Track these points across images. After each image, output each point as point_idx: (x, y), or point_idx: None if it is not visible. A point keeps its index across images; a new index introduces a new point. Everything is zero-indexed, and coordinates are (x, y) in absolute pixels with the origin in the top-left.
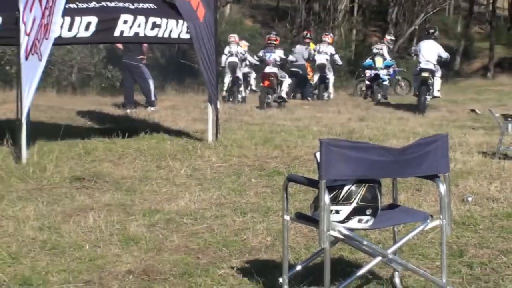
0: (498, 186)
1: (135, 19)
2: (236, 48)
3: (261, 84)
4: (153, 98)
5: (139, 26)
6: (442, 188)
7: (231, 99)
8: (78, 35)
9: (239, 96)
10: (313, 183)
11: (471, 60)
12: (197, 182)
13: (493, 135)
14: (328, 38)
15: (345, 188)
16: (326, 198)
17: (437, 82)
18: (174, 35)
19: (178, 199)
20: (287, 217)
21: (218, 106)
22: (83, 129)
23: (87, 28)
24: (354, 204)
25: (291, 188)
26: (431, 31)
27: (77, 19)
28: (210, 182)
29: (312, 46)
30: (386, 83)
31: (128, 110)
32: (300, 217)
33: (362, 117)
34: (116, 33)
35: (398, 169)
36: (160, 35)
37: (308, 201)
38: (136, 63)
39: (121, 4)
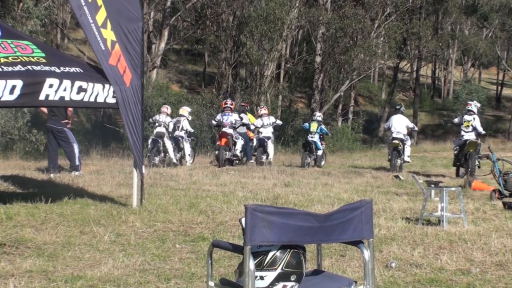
0: (421, 252)
1: (61, 83)
2: (165, 118)
3: (218, 143)
4: (77, 163)
5: (64, 90)
6: (366, 253)
7: (153, 161)
8: (3, 99)
9: (157, 159)
10: (238, 249)
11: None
12: (121, 247)
13: (417, 201)
14: (264, 109)
15: (270, 254)
16: (251, 264)
17: (407, 149)
18: (100, 99)
19: (101, 265)
20: (211, 284)
21: (143, 171)
22: (5, 194)
23: (11, 91)
24: (279, 270)
25: (215, 253)
26: (398, 107)
27: (2, 82)
28: (134, 248)
29: (251, 118)
30: (320, 152)
31: (52, 175)
32: (225, 283)
33: (287, 182)
34: (42, 96)
35: (323, 235)
36: (86, 99)
37: (233, 267)
38: (61, 127)
39: (47, 68)
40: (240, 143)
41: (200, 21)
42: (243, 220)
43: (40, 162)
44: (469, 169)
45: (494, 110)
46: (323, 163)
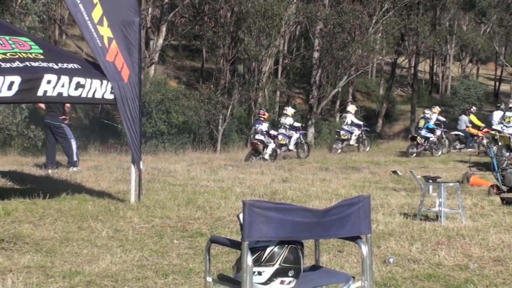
0: (419, 247)
1: (59, 79)
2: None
3: (251, 147)
4: (75, 159)
5: (62, 86)
6: (364, 249)
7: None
8: (1, 95)
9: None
10: (235, 245)
11: (393, 123)
12: (119, 243)
13: (415, 196)
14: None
15: (268, 250)
16: (249, 259)
17: None
18: (98, 95)
19: (99, 260)
20: (209, 279)
21: (141, 166)
22: (3, 189)
23: (9, 87)
24: (276, 266)
25: (213, 249)
26: (498, 104)
27: (0, 78)
28: (132, 244)
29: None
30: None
31: (49, 171)
32: (223, 278)
33: (285, 178)
34: (40, 92)
35: (321, 231)
36: (84, 95)
37: (231, 263)
38: (59, 123)
39: (45, 64)
40: (271, 146)
41: (198, 17)
42: (241, 216)
43: (38, 158)
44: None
45: (492, 105)
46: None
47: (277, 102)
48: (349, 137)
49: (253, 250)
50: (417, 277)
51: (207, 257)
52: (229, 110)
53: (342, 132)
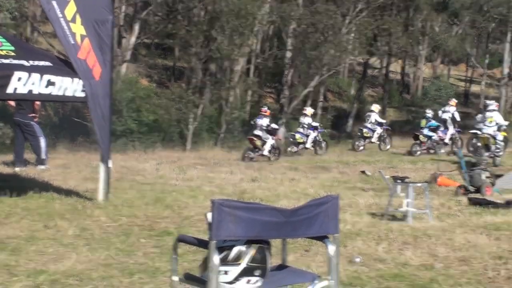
0: (386, 247)
1: (29, 76)
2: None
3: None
4: (44, 157)
5: (33, 83)
6: (331, 249)
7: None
8: None
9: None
10: (203, 244)
11: (364, 122)
12: (85, 242)
13: (382, 196)
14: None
15: (235, 249)
16: (216, 258)
17: None
18: (69, 93)
19: (64, 259)
20: (175, 278)
21: (110, 165)
22: None
23: None
24: (243, 265)
25: (180, 248)
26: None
27: None
28: (99, 242)
29: None
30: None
31: (17, 169)
32: (189, 278)
33: (254, 177)
34: (10, 90)
35: (289, 230)
36: (54, 92)
37: (197, 262)
38: (28, 121)
39: (15, 61)
40: (269, 142)
41: (171, 16)
42: (209, 215)
43: (6, 156)
44: None
45: (462, 106)
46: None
47: (248, 102)
48: (371, 135)
49: (220, 250)
50: (383, 276)
51: (174, 256)
52: (200, 109)
53: (365, 130)
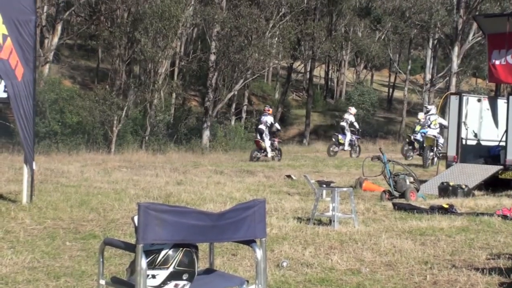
0: (312, 252)
1: None
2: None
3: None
4: None
5: None
6: (259, 253)
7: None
8: None
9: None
10: (130, 247)
11: (288, 127)
12: (10, 245)
13: (308, 201)
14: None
15: (162, 253)
16: (143, 262)
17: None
18: None
19: None
20: (102, 282)
21: (34, 167)
22: None
23: None
24: (171, 269)
25: (107, 251)
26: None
27: None
28: (23, 245)
29: None
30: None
31: None
32: (116, 281)
33: (179, 181)
34: None
35: (216, 234)
36: None
37: (124, 265)
38: None
39: None
40: (267, 144)
41: (94, 17)
42: (135, 218)
43: None
44: None
45: (385, 112)
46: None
47: (172, 104)
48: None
49: (147, 253)
50: (310, 281)
51: (101, 259)
52: (124, 111)
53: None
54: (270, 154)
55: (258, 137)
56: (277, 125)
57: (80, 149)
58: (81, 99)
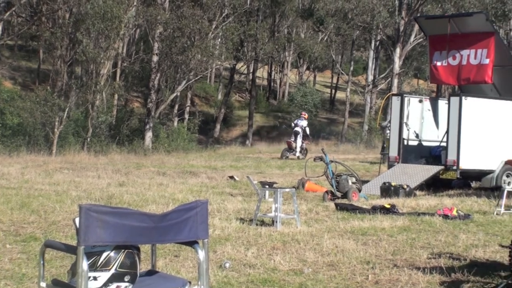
0: (255, 252)
1: None
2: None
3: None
4: None
5: None
6: (201, 254)
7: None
8: None
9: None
10: (71, 249)
11: (231, 128)
12: None
13: (251, 201)
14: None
15: (104, 254)
16: (84, 264)
17: None
18: None
19: None
20: (43, 284)
21: None
22: None
23: None
24: (112, 271)
25: (47, 254)
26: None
27: None
28: None
29: None
30: None
31: None
32: (57, 284)
33: (122, 182)
34: None
35: (159, 235)
36: None
37: (65, 268)
38: None
39: None
40: (299, 144)
41: (35, 17)
42: (77, 220)
43: None
44: None
45: (328, 112)
46: None
47: (115, 106)
48: (295, 146)
49: (89, 255)
50: (253, 281)
51: (41, 262)
52: (66, 112)
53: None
54: (297, 154)
55: (292, 139)
56: (307, 129)
57: (21, 151)
58: (22, 100)
